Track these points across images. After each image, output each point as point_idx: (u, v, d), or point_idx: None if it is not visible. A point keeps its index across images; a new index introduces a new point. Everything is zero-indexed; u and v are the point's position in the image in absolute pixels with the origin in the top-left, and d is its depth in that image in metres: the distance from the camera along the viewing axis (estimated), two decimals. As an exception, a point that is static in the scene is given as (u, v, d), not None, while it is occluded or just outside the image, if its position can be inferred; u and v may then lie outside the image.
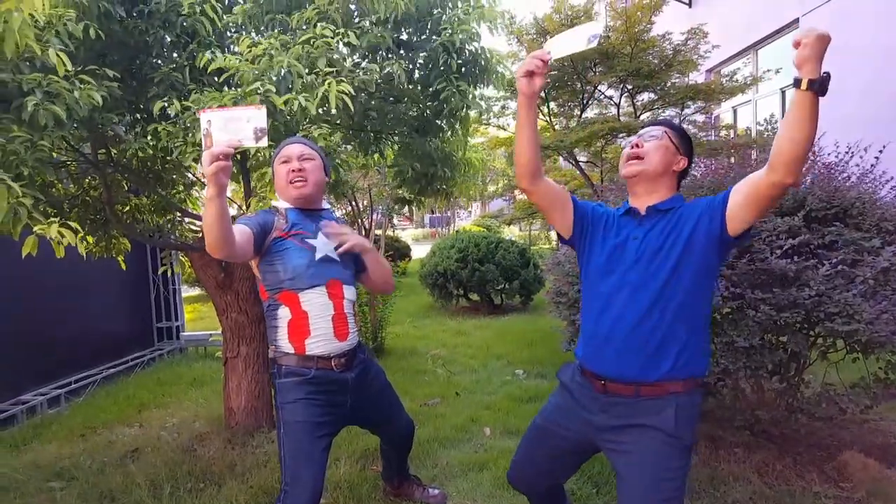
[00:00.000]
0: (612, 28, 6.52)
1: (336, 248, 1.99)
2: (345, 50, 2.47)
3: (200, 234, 2.88)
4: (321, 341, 1.94)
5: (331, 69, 2.35)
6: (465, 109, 2.99)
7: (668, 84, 6.67)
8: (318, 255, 1.98)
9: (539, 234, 18.76)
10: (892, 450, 2.74)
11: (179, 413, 3.92)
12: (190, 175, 3.50)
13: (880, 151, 2.69)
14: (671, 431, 1.53)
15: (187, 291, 9.35)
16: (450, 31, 2.71)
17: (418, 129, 3.37)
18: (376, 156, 3.71)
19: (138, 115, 2.83)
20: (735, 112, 8.52)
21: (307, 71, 2.32)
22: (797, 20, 6.81)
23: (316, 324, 1.93)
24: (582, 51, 1.49)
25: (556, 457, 1.81)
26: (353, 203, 7.06)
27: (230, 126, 1.58)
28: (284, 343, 1.95)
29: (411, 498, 2.53)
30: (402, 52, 2.99)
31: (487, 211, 25.27)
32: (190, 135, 2.34)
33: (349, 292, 2.04)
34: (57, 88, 2.04)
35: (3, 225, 1.92)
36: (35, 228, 2.02)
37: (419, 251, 12.69)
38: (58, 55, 1.99)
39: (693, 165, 3.04)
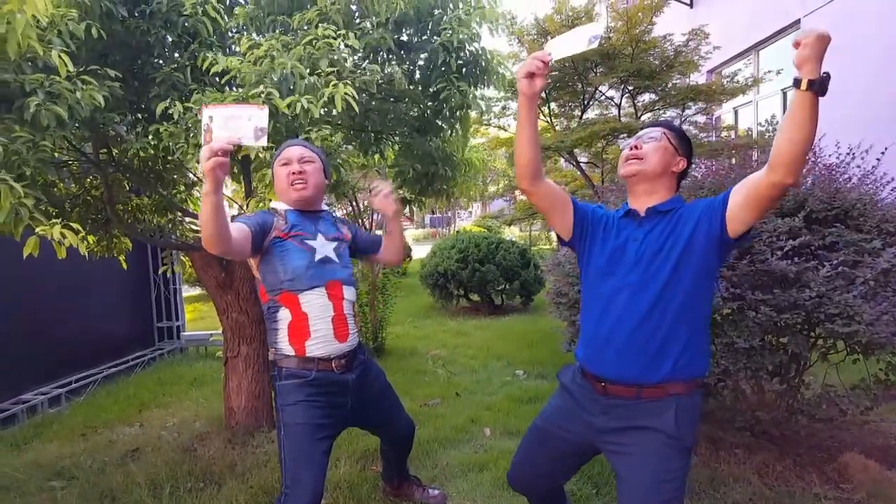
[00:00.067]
0: (612, 29, 6.51)
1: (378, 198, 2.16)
2: (346, 51, 2.47)
3: (201, 234, 2.90)
4: (321, 343, 1.94)
5: (332, 69, 2.35)
6: (465, 109, 2.99)
7: (669, 85, 6.66)
8: (318, 257, 1.98)
9: (539, 234, 18.76)
10: (892, 451, 2.74)
11: (180, 413, 3.92)
12: (191, 175, 3.51)
13: (882, 153, 2.68)
14: (672, 433, 1.53)
15: (188, 291, 9.36)
16: (450, 32, 2.72)
17: (419, 129, 3.37)
18: (377, 156, 3.71)
19: (140, 115, 2.83)
20: (736, 113, 8.51)
21: (309, 72, 2.33)
22: (798, 21, 6.81)
23: (316, 325, 1.94)
24: (583, 52, 1.49)
25: (557, 458, 1.81)
26: (354, 203, 7.06)
27: (231, 123, 1.58)
28: (285, 345, 1.95)
29: (411, 498, 2.53)
30: (402, 52, 3.00)
31: (488, 211, 25.27)
32: (192, 135, 2.35)
33: (349, 293, 2.04)
34: (59, 89, 2.05)
35: (5, 225, 1.92)
36: (37, 229, 2.02)
37: (420, 251, 12.69)
38: (60, 56, 1.99)
39: (694, 166, 3.05)
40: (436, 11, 2.85)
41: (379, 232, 2.38)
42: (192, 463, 2.95)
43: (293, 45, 2.40)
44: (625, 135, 5.70)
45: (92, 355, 4.87)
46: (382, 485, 2.60)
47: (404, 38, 3.02)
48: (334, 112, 2.37)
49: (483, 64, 2.95)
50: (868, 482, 2.42)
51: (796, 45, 1.22)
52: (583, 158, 8.06)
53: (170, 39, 2.64)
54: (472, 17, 2.80)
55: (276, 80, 2.30)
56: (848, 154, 2.71)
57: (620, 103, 7.21)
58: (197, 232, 3.54)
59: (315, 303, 1.94)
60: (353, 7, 2.71)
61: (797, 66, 1.23)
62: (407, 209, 4.03)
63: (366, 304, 5.39)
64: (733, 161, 4.22)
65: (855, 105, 5.60)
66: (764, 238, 2.38)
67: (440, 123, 3.32)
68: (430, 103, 3.17)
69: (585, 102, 7.38)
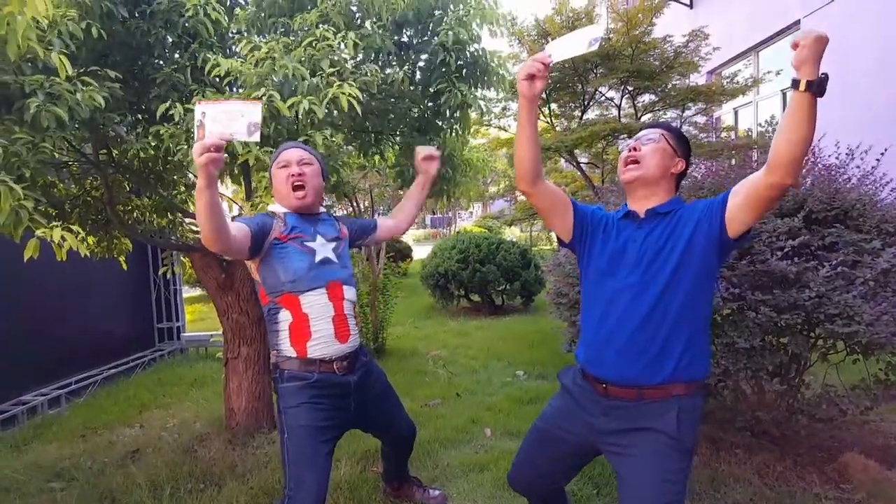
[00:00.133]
0: (612, 30, 6.52)
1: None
2: (346, 51, 2.47)
3: (200, 233, 2.91)
4: (322, 343, 1.94)
5: (333, 70, 2.35)
6: (465, 108, 2.99)
7: (669, 86, 6.67)
8: (318, 258, 1.98)
9: (540, 234, 18.76)
10: (892, 451, 2.74)
11: (180, 414, 3.92)
12: (191, 176, 3.51)
13: (882, 154, 2.69)
14: (673, 434, 1.53)
15: (188, 292, 9.37)
16: (450, 32, 2.72)
17: (419, 129, 3.38)
18: (377, 157, 3.71)
19: (140, 116, 2.83)
20: (736, 114, 8.52)
21: (310, 73, 2.33)
22: (798, 22, 6.81)
23: (317, 325, 1.94)
24: (583, 54, 1.50)
25: (558, 459, 1.80)
26: (354, 204, 7.07)
27: (224, 119, 1.58)
28: (286, 347, 1.95)
29: (412, 499, 2.53)
30: (402, 54, 3.00)
31: (489, 212, 25.29)
32: (192, 136, 2.35)
33: (349, 292, 2.04)
34: (59, 90, 2.05)
35: (5, 227, 1.92)
36: (37, 232, 2.03)
37: (420, 252, 12.69)
38: (59, 58, 1.99)
39: (694, 167, 3.05)
40: (436, 12, 2.85)
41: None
42: (193, 464, 2.95)
43: (294, 46, 2.40)
44: (625, 135, 5.70)
45: (92, 356, 4.87)
46: (383, 486, 2.60)
47: (405, 38, 3.02)
48: (335, 113, 2.37)
49: (483, 65, 2.95)
50: (868, 482, 2.42)
51: (795, 46, 1.22)
52: (583, 159, 8.07)
53: (170, 40, 2.64)
54: (473, 17, 2.80)
55: (277, 81, 2.30)
56: (847, 154, 2.71)
57: (620, 104, 7.22)
58: (197, 233, 3.55)
59: (316, 303, 1.94)
60: (354, 8, 2.71)
61: (795, 67, 1.23)
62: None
63: (366, 304, 5.39)
64: (733, 162, 4.22)
65: (854, 105, 5.60)
66: (764, 238, 2.39)
67: (440, 124, 3.32)
68: (430, 104, 3.17)
69: (585, 103, 7.39)
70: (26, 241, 2.05)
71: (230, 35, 2.85)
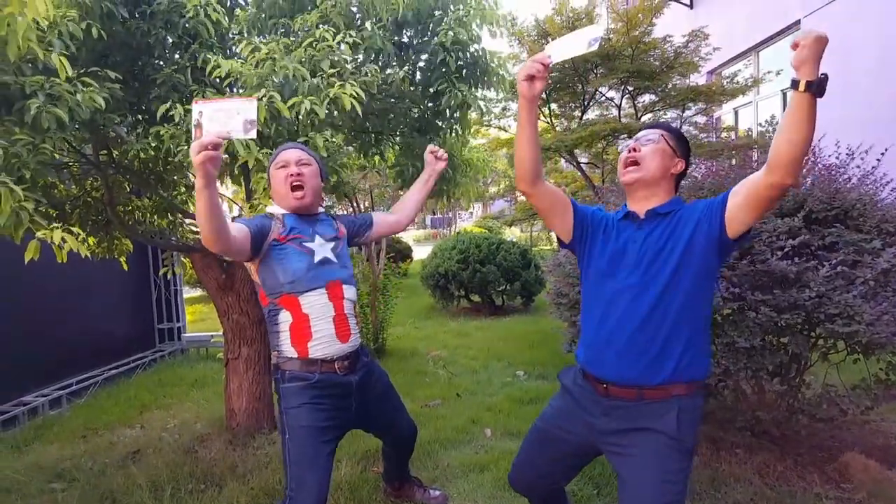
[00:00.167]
0: (612, 30, 6.52)
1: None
2: (346, 51, 2.47)
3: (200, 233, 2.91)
4: (323, 343, 1.94)
5: (334, 70, 2.35)
6: (465, 108, 3.00)
7: (669, 86, 6.67)
8: (317, 258, 1.98)
9: (540, 235, 18.76)
10: (893, 451, 2.74)
11: (181, 414, 3.92)
12: (191, 176, 3.51)
13: (882, 153, 2.69)
14: (673, 434, 1.53)
15: (189, 293, 9.37)
16: (450, 32, 2.72)
17: (419, 129, 3.38)
18: (377, 158, 3.71)
19: (140, 117, 2.84)
20: (736, 114, 8.52)
21: (311, 74, 2.33)
22: (798, 21, 6.82)
23: (317, 326, 1.94)
24: (583, 54, 1.50)
25: (558, 459, 1.81)
26: (355, 204, 7.07)
27: (220, 117, 1.59)
28: (287, 347, 1.95)
29: (412, 499, 2.54)
30: (402, 54, 3.00)
31: (489, 212, 25.29)
32: (191, 137, 2.35)
33: (349, 292, 2.05)
34: (59, 91, 2.05)
35: (6, 229, 1.92)
36: (38, 234, 2.03)
37: (420, 252, 12.69)
38: (59, 59, 1.99)
39: (694, 167, 3.05)
40: (436, 13, 2.85)
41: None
42: (193, 464, 2.95)
43: (294, 47, 2.40)
44: (625, 135, 5.71)
45: (93, 357, 4.87)
46: (383, 486, 2.61)
47: (405, 39, 3.02)
48: (335, 113, 2.37)
49: (483, 65, 2.95)
50: (869, 482, 2.42)
51: (794, 46, 1.22)
52: (583, 159, 8.07)
53: (170, 41, 2.64)
54: (472, 18, 2.80)
55: (277, 82, 2.30)
56: (848, 154, 2.71)
57: (620, 104, 7.22)
58: (197, 234, 3.55)
59: (316, 303, 1.94)
60: (354, 9, 2.71)
61: (795, 67, 1.23)
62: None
63: (367, 305, 5.39)
64: (733, 162, 4.22)
65: (855, 105, 5.60)
66: (764, 238, 2.39)
67: (440, 124, 3.32)
68: (430, 104, 3.18)
69: (586, 103, 7.39)
70: (27, 242, 2.05)
71: (230, 36, 2.85)
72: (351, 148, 3.58)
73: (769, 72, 6.88)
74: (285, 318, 1.95)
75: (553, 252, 7.57)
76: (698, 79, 7.54)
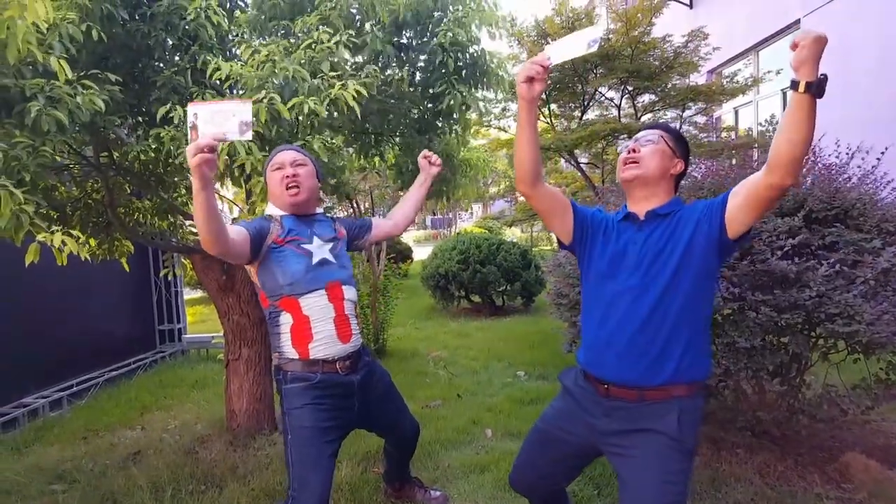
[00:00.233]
0: (612, 30, 6.52)
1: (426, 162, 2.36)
2: (346, 52, 2.47)
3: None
4: (324, 344, 1.95)
5: (334, 73, 2.36)
6: (465, 109, 3.00)
7: (669, 86, 6.66)
8: (315, 260, 1.98)
9: (540, 235, 18.75)
10: (893, 451, 2.73)
11: (181, 415, 3.92)
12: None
13: (882, 153, 2.69)
14: (674, 435, 1.53)
15: (189, 294, 9.37)
16: (449, 33, 2.72)
17: (419, 129, 3.38)
18: (377, 159, 3.72)
19: (140, 119, 2.84)
20: (736, 113, 8.52)
21: (311, 75, 2.33)
22: (798, 21, 6.82)
23: (318, 327, 1.94)
24: (582, 55, 1.50)
25: (559, 460, 1.80)
26: (355, 205, 7.08)
27: (216, 119, 1.59)
28: (288, 349, 1.96)
29: (413, 500, 2.54)
30: (402, 55, 3.00)
31: (489, 212, 25.29)
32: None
33: (349, 292, 2.05)
34: (59, 93, 2.05)
35: (6, 231, 1.93)
36: (38, 237, 2.03)
37: (421, 253, 12.69)
38: (59, 62, 1.99)
39: (694, 167, 3.05)
40: (435, 14, 2.86)
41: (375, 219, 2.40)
42: (194, 465, 2.96)
43: (294, 48, 2.40)
44: (625, 136, 5.70)
45: (93, 358, 4.87)
46: (384, 486, 2.61)
47: (404, 40, 3.03)
48: (335, 114, 2.37)
49: (483, 66, 2.95)
50: (869, 482, 2.42)
51: (794, 46, 1.22)
52: (583, 159, 8.07)
53: (170, 42, 2.64)
54: (471, 19, 2.81)
55: (278, 84, 2.30)
56: (847, 154, 2.71)
57: (620, 104, 7.22)
58: (197, 235, 3.54)
59: (316, 305, 1.95)
60: (354, 10, 2.71)
61: (794, 68, 1.23)
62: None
63: (367, 305, 5.39)
64: (733, 161, 4.22)
65: (855, 105, 5.60)
66: (764, 238, 2.39)
67: (440, 125, 3.33)
68: (429, 105, 3.18)
69: (585, 103, 7.39)
70: (27, 244, 2.06)
71: (231, 38, 2.85)
72: (351, 149, 3.58)
73: (769, 71, 6.88)
74: (286, 319, 1.95)
75: (553, 252, 7.57)
76: (698, 78, 7.54)
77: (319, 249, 2.01)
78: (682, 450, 1.54)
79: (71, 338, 4.57)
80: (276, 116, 2.23)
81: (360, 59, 2.72)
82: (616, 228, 1.68)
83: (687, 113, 7.08)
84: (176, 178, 3.26)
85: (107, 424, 3.81)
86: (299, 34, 2.61)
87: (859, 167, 2.66)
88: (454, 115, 3.13)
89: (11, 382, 3.99)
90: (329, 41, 2.37)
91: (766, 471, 2.61)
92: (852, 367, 2.53)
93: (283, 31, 2.70)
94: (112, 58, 2.59)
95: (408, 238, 19.07)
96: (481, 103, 2.99)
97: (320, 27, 2.45)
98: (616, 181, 1.86)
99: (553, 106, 7.72)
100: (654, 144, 1.63)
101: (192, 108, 1.59)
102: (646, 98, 7.12)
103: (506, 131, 8.57)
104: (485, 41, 3.42)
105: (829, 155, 2.73)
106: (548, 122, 7.81)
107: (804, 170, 2.63)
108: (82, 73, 2.23)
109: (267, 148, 2.33)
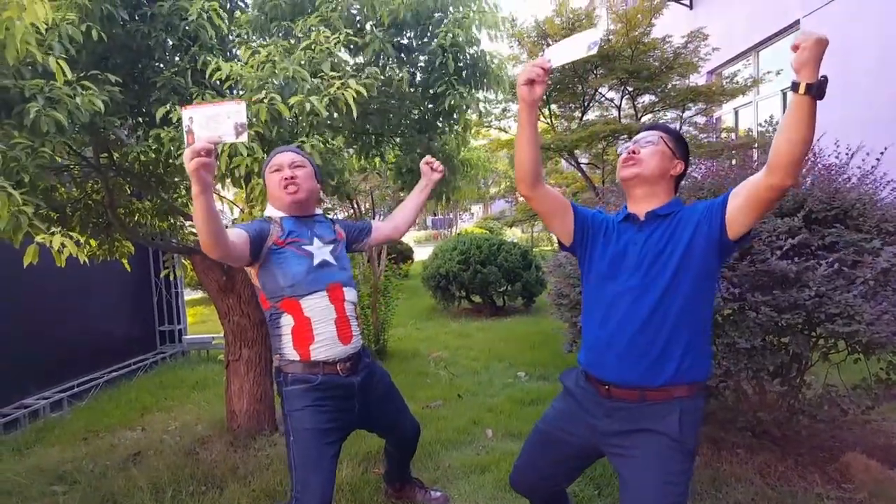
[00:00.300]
0: (612, 31, 6.52)
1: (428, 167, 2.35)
2: (346, 53, 2.48)
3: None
4: (325, 346, 1.94)
5: (335, 74, 2.36)
6: (465, 109, 3.00)
7: (669, 86, 6.67)
8: (316, 261, 1.98)
9: (541, 235, 18.76)
10: (894, 451, 2.73)
11: (182, 416, 3.92)
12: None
13: (882, 153, 2.69)
14: (675, 436, 1.53)
15: (189, 294, 9.36)
16: (448, 34, 2.72)
17: (419, 130, 3.38)
18: (377, 159, 3.72)
19: (140, 120, 2.84)
20: (736, 114, 8.52)
21: (311, 75, 2.33)
22: (798, 21, 6.82)
23: (319, 329, 1.94)
24: (582, 58, 1.50)
25: (560, 461, 1.80)
26: (355, 205, 7.08)
27: (211, 122, 1.58)
28: (289, 351, 1.96)
29: (413, 500, 2.54)
30: (402, 56, 3.00)
31: (489, 213, 25.30)
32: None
33: (350, 294, 2.05)
34: (58, 94, 2.05)
35: (5, 233, 1.93)
36: (37, 238, 2.03)
37: (421, 253, 12.68)
38: (58, 63, 1.99)
39: (694, 167, 3.05)
40: (436, 14, 2.86)
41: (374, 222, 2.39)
42: (195, 466, 2.96)
43: (294, 49, 2.40)
44: (625, 136, 5.71)
45: (94, 359, 4.87)
46: (385, 487, 2.60)
47: (404, 41, 3.03)
48: (335, 115, 2.37)
49: (483, 67, 2.96)
50: (870, 482, 2.42)
51: (795, 48, 1.22)
52: (583, 160, 8.07)
53: (170, 43, 2.64)
54: (472, 20, 2.81)
55: (278, 84, 2.30)
56: (847, 154, 2.71)
57: (620, 105, 7.22)
58: (197, 236, 3.55)
59: (317, 306, 1.94)
60: (354, 11, 2.71)
61: (795, 69, 1.23)
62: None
63: (367, 306, 5.39)
64: (733, 162, 4.22)
65: (856, 105, 5.60)
66: (764, 238, 2.39)
67: (440, 125, 3.33)
68: (430, 105, 3.18)
69: (586, 104, 7.39)
70: (27, 245, 2.05)
71: (231, 38, 2.85)
72: (351, 150, 3.58)
73: (769, 72, 6.88)
74: (287, 321, 1.95)
75: (554, 253, 7.57)
76: (698, 79, 7.54)
77: (320, 251, 2.01)
78: (682, 450, 1.54)
79: (71, 339, 4.57)
80: (276, 116, 2.23)
81: (360, 59, 2.72)
82: (616, 229, 1.68)
83: (687, 113, 7.09)
84: (176, 179, 3.26)
85: (107, 425, 3.81)
86: (300, 35, 2.61)
87: (859, 167, 2.66)
88: (454, 116, 3.13)
89: (12, 383, 3.99)
90: (329, 41, 2.37)
91: (766, 471, 2.61)
92: (852, 367, 2.53)
93: (283, 32, 2.70)
94: (112, 58, 2.59)
95: (408, 238, 19.04)
96: (481, 104, 2.99)
97: (321, 28, 2.45)
98: (616, 181, 1.86)
99: (553, 106, 7.72)
100: (653, 145, 1.63)
101: (186, 112, 1.58)
102: (646, 98, 7.12)
103: (506, 132, 8.57)
104: (485, 42, 3.43)
105: (829, 155, 2.73)
106: (548, 123, 7.81)
107: (804, 170, 2.63)
108: (82, 74, 2.23)
109: (266, 148, 2.33)
